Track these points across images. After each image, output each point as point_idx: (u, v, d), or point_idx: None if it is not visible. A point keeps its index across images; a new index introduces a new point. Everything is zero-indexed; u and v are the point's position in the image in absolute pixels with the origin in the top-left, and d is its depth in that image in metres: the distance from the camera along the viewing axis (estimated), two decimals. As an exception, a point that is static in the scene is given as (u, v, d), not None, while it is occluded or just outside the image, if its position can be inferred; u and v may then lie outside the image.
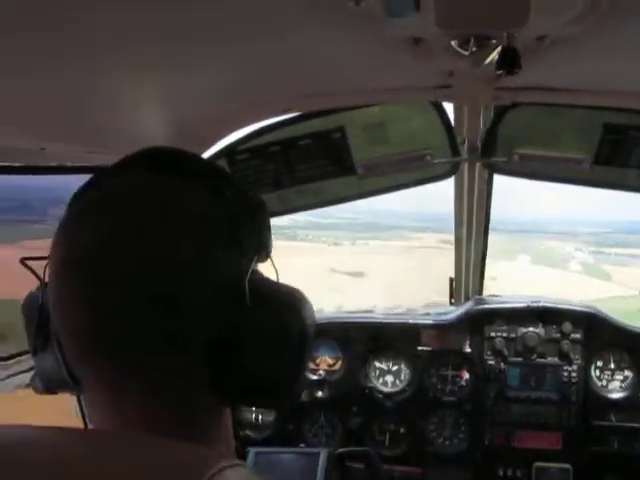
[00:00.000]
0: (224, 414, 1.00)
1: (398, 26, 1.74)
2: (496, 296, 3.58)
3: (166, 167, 0.94)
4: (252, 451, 2.88)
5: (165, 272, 0.86)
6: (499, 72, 1.81)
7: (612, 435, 3.18)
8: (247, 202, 0.99)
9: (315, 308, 1.03)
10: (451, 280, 3.59)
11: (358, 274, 17.44)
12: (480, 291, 3.61)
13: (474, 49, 1.93)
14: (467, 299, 3.57)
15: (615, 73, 2.21)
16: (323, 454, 2.83)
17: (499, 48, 1.81)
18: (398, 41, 1.87)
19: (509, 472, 3.25)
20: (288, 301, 0.98)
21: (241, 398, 0.99)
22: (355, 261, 17.49)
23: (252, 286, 0.91)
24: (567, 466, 3.17)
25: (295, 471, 2.89)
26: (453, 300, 3.65)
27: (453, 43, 1.91)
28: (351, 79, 2.31)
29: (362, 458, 2.86)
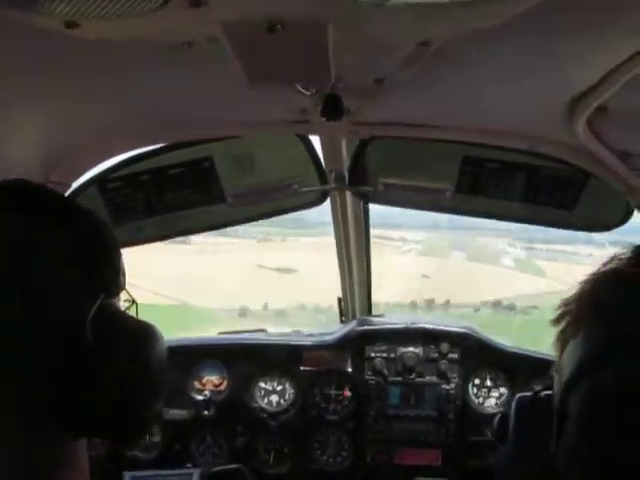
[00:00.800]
0: (77, 448, 1.00)
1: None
2: (379, 316, 3.67)
3: (18, 205, 0.94)
4: (127, 475, 2.91)
5: (8, 312, 0.87)
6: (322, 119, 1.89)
7: (488, 450, 3.29)
8: (98, 239, 1.01)
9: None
10: (339, 300, 3.66)
11: (287, 270, 17.26)
12: (369, 310, 3.69)
13: (313, 91, 2.00)
14: (355, 318, 3.65)
15: (460, 111, 2.31)
16: (196, 474, 2.88)
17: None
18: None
19: (391, 488, 3.34)
20: (135, 337, 1.01)
21: (91, 434, 1.00)
22: (284, 257, 17.37)
23: (100, 323, 0.93)
24: (445, 481, 3.28)
25: None
26: (343, 319, 3.73)
27: (297, 85, 1.97)
28: (211, 112, 2.35)
29: (235, 476, 2.91)
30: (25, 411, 0.91)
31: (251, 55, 1.53)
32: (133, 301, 1.11)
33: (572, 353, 0.88)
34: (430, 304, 12.47)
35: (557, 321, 0.94)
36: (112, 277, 1.02)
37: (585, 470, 0.84)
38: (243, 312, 11.95)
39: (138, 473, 2.94)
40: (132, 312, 1.11)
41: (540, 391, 1.01)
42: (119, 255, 1.06)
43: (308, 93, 2.01)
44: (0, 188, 0.98)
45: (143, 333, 1.03)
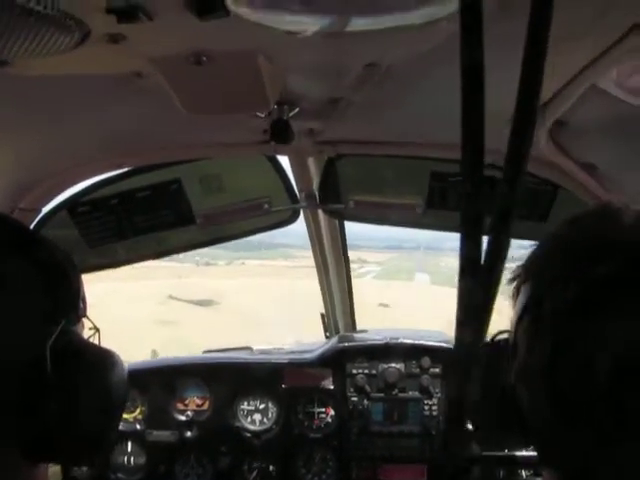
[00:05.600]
0: (38, 473, 1.01)
1: None
2: (363, 332, 3.64)
3: None
4: None
5: None
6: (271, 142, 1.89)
7: (474, 464, 3.26)
8: (56, 266, 1.01)
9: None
10: (322, 316, 3.65)
11: (205, 302, 14.90)
12: (353, 326, 3.67)
13: (267, 114, 1.99)
14: (337, 334, 3.63)
15: (418, 127, 2.29)
16: None
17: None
18: None
19: (377, 505, 3.31)
20: (95, 363, 1.02)
21: (53, 459, 1.02)
22: (211, 285, 15.83)
23: (61, 349, 0.94)
24: (431, 497, 3.24)
25: None
26: (328, 334, 3.72)
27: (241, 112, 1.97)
28: (175, 136, 2.35)
29: None
30: None
31: (184, 87, 1.53)
32: (96, 329, 1.11)
33: (521, 297, 0.96)
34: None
35: (512, 280, 1.00)
36: (71, 303, 1.03)
37: (532, 382, 0.90)
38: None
39: None
40: (95, 340, 1.11)
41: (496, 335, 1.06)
42: (79, 281, 1.07)
43: (262, 116, 2.01)
44: None
45: (103, 360, 1.04)
